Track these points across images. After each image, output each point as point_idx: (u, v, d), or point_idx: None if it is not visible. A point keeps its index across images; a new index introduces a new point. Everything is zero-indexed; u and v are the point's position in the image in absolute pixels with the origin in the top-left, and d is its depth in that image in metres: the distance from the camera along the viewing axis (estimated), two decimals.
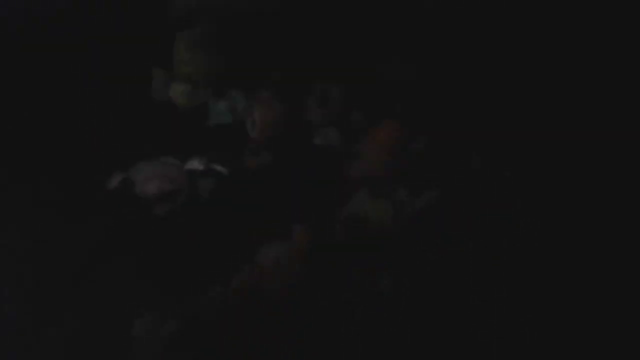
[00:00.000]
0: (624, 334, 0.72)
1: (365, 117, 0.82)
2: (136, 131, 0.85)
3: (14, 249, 0.76)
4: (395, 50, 0.87)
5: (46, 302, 0.74)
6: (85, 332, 0.70)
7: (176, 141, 0.84)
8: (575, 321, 0.72)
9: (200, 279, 0.73)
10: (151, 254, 0.77)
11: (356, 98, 0.84)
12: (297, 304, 0.71)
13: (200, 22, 0.87)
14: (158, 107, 0.86)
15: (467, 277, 0.75)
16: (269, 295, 0.71)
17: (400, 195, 0.76)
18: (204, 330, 0.67)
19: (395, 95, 0.84)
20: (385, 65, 0.86)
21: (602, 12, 0.88)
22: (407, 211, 0.76)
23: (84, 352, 0.70)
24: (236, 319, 0.68)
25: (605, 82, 0.85)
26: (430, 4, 0.87)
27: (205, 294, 0.70)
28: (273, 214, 0.79)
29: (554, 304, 0.73)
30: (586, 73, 0.86)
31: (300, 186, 0.82)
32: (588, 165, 0.82)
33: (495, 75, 0.88)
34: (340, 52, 0.87)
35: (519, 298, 0.73)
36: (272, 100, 0.84)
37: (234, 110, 0.85)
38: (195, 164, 0.81)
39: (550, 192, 0.80)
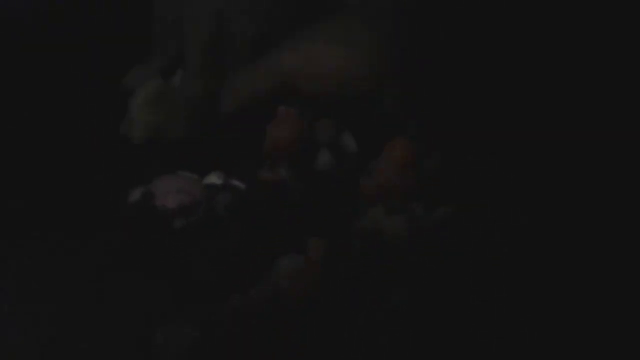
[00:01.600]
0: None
1: (378, 133, 0.84)
2: (156, 145, 0.88)
3: (33, 262, 0.78)
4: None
5: (66, 313, 0.75)
6: (107, 342, 0.72)
7: (196, 155, 0.86)
8: (588, 338, 0.73)
9: (219, 290, 0.74)
10: (171, 265, 0.79)
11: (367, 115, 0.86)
12: (313, 315, 0.72)
13: None
14: None
15: (482, 292, 0.77)
16: (286, 305, 0.72)
17: (415, 210, 0.78)
18: (224, 339, 0.69)
19: (409, 113, 0.86)
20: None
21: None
22: (422, 226, 0.77)
23: None
24: (254, 328, 0.69)
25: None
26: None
27: (224, 303, 0.71)
28: (290, 228, 0.80)
29: (571, 318, 0.74)
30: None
31: (316, 200, 0.84)
32: (605, 182, 0.83)
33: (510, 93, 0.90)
34: None
35: (534, 313, 0.74)
36: (291, 116, 0.86)
37: None
38: (214, 179, 0.83)
39: (565, 207, 0.82)
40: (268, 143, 0.85)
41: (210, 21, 0.89)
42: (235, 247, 0.80)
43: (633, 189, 0.82)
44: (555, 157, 0.86)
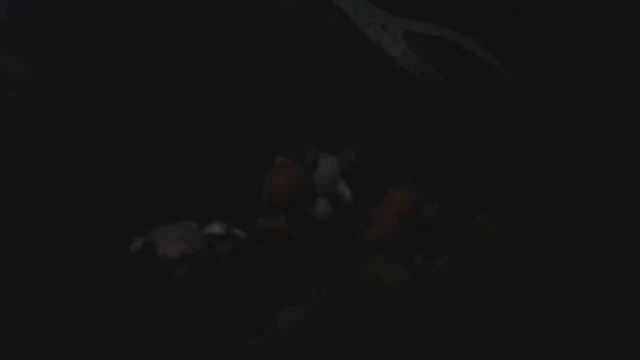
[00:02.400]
0: None
1: (376, 182, 0.85)
2: (158, 194, 0.88)
3: (35, 310, 0.78)
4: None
5: None
6: None
7: (197, 204, 0.87)
8: None
9: (220, 340, 0.74)
10: (172, 315, 0.80)
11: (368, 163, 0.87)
12: None
13: None
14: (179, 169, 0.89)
15: (483, 340, 0.77)
16: (287, 356, 0.72)
17: (415, 259, 0.78)
18: None
19: (407, 162, 0.87)
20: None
21: None
22: (422, 275, 0.78)
23: None
24: None
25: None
26: None
27: (226, 353, 0.71)
28: (290, 277, 0.81)
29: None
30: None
31: (317, 249, 0.85)
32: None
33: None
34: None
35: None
36: (288, 166, 0.87)
37: None
38: (215, 228, 0.84)
39: (564, 256, 0.82)
40: (267, 192, 0.86)
41: None
42: (236, 296, 0.80)
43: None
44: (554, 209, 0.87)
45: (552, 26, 1.01)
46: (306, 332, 0.73)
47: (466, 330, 0.77)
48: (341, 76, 0.97)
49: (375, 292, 0.76)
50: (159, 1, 0.95)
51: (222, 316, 0.79)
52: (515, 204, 0.85)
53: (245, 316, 0.78)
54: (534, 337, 0.77)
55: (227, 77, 0.97)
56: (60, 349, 0.75)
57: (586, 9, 1.00)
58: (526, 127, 0.93)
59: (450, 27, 1.01)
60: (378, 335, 0.75)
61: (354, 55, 0.99)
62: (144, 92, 0.94)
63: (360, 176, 0.88)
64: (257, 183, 0.86)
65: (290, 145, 0.87)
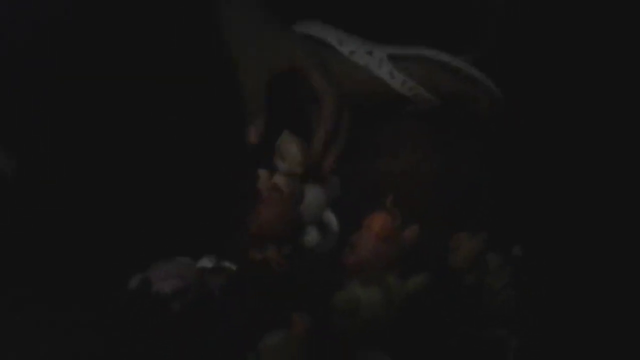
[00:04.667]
0: None
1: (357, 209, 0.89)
2: (154, 234, 0.94)
3: (35, 347, 0.84)
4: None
5: None
6: None
7: (189, 239, 0.92)
8: None
9: None
10: (169, 346, 0.84)
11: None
12: None
13: None
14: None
15: (462, 352, 0.80)
16: None
17: (389, 281, 0.81)
18: None
19: (386, 187, 0.90)
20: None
21: None
22: (397, 296, 0.81)
23: None
24: None
25: None
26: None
27: None
28: (276, 304, 0.85)
29: None
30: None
31: (306, 277, 0.89)
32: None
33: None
34: None
35: None
36: (278, 197, 0.91)
37: None
38: (206, 262, 0.89)
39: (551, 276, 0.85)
40: (256, 224, 0.90)
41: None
42: (227, 326, 0.85)
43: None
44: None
45: (537, 41, 1.03)
46: (286, 356, 0.77)
47: (443, 344, 0.80)
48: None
49: (352, 315, 0.80)
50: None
51: (214, 345, 0.83)
52: (488, 221, 0.88)
53: (235, 344, 0.82)
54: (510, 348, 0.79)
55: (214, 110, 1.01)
56: None
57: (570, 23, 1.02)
58: (503, 147, 0.96)
59: (438, 49, 1.05)
60: (357, 357, 0.79)
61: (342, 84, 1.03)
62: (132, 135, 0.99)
63: (345, 204, 0.92)
64: (245, 215, 0.91)
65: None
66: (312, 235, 0.92)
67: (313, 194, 0.93)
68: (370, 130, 1.01)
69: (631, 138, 0.95)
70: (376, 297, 0.80)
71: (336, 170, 0.94)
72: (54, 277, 0.91)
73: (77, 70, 0.97)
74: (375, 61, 1.04)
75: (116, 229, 0.94)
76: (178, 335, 0.85)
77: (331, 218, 0.92)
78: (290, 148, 0.90)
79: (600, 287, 0.82)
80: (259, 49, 0.94)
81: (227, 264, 0.89)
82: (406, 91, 1.04)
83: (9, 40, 0.96)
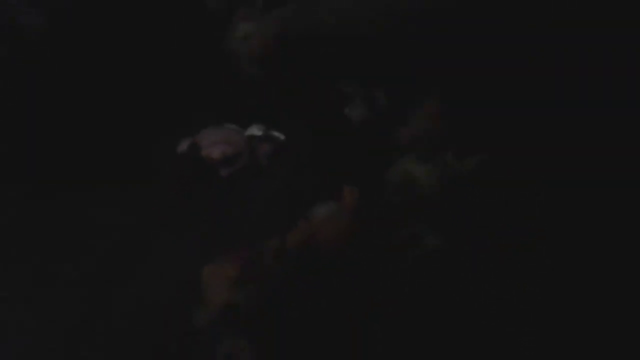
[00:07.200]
0: None
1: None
2: (203, 100, 0.92)
3: (86, 213, 0.84)
4: None
5: (121, 251, 0.81)
6: (153, 280, 0.77)
7: (238, 109, 0.91)
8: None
9: (259, 233, 0.79)
10: (216, 210, 0.84)
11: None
12: (346, 259, 0.77)
13: None
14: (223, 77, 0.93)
15: (509, 236, 0.79)
16: (321, 249, 0.77)
17: (447, 159, 0.81)
18: (262, 276, 0.74)
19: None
20: None
21: None
22: (453, 174, 0.81)
23: None
24: (292, 269, 0.74)
25: None
26: None
27: (264, 244, 0.76)
28: (326, 176, 0.85)
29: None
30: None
31: (351, 150, 0.88)
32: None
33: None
34: None
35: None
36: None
37: None
38: (255, 130, 0.88)
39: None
40: None
41: None
42: (275, 193, 0.85)
43: None
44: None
45: None
46: (337, 227, 0.77)
47: (494, 230, 0.79)
48: None
49: (407, 191, 0.80)
50: None
51: (262, 212, 0.83)
52: None
53: (284, 212, 0.82)
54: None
55: None
56: (113, 240, 0.81)
57: None
58: None
59: None
60: (409, 231, 0.79)
61: None
62: None
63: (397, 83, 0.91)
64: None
65: None
66: (357, 109, 0.91)
67: None
68: None
69: None
70: (433, 175, 0.80)
71: None
72: (97, 139, 0.90)
73: None
74: None
75: (162, 92, 0.92)
76: (226, 200, 0.86)
77: (379, 92, 0.91)
78: None
79: None
80: None
81: (275, 133, 0.88)
82: None
83: None
